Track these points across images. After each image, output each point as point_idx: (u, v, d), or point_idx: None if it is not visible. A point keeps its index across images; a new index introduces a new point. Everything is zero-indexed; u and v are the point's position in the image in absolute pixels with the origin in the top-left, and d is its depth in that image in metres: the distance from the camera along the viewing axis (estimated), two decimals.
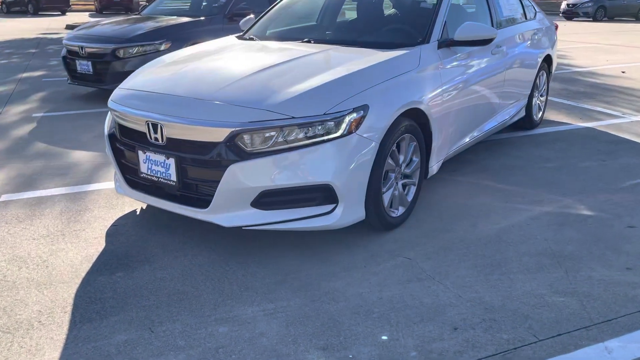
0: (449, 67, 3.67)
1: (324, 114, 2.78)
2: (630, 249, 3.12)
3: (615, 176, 4.30)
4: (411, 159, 3.44)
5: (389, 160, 3.15)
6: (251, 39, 4.19)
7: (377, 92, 3.01)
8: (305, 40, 3.85)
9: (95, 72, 6.87)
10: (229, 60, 3.53)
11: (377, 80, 3.07)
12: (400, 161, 3.30)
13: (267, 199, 2.83)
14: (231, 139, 2.74)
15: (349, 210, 2.92)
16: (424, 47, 3.55)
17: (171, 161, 2.89)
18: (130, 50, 6.76)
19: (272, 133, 2.73)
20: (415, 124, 3.33)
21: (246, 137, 2.73)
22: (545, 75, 5.64)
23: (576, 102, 6.89)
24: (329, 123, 2.78)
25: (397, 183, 3.33)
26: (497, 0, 4.66)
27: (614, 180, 4.22)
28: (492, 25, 4.45)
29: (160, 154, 2.93)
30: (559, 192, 3.99)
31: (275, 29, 4.29)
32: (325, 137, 2.78)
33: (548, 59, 5.65)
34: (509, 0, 4.94)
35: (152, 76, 3.39)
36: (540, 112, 5.75)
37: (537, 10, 5.67)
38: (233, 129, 2.73)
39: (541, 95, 5.72)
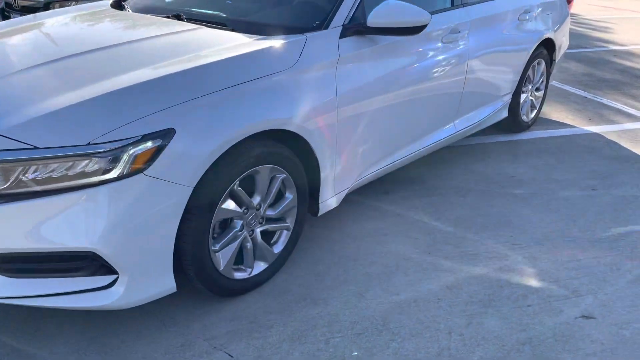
0: (355, 64, 2.60)
1: (88, 144, 1.82)
2: None
3: (599, 217, 3.19)
4: (282, 196, 2.46)
5: (228, 206, 2.18)
6: (121, 7, 3.19)
7: (198, 108, 2.01)
8: (173, 15, 2.83)
9: None
10: (37, 42, 2.55)
11: (208, 89, 2.06)
12: (256, 202, 2.32)
13: (15, 264, 1.92)
14: None
15: (140, 284, 1.98)
16: (313, 36, 2.48)
17: None
18: (68, 4, 5.85)
19: (7, 168, 1.80)
20: (284, 150, 2.33)
21: None
22: (543, 64, 4.43)
23: (593, 94, 5.61)
24: (97, 157, 1.82)
25: (252, 232, 2.36)
26: None
27: (594, 224, 3.11)
28: (452, 4, 3.29)
29: None
30: (509, 239, 2.93)
31: None
32: (89, 180, 1.83)
33: (549, 44, 4.42)
34: None
35: None
36: (535, 111, 4.57)
37: None
38: None
39: (537, 90, 4.53)
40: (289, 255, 2.57)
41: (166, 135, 1.91)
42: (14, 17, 6.09)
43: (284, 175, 2.38)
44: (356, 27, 2.62)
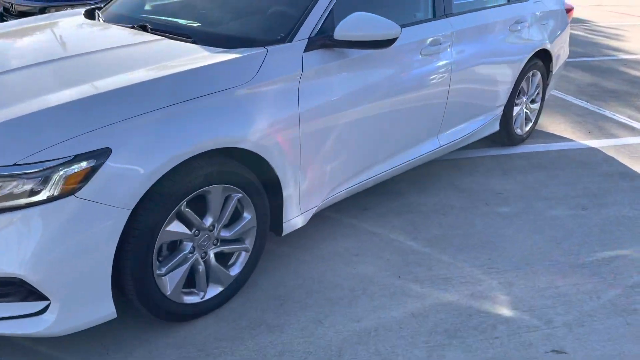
0: (321, 78, 2.49)
1: (14, 164, 1.73)
2: None
3: (585, 239, 3.03)
4: (239, 216, 2.35)
5: (174, 228, 2.08)
6: (93, 16, 3.11)
7: (139, 126, 1.91)
8: (139, 26, 2.73)
9: None
10: None
11: (151, 105, 1.96)
12: (208, 223, 2.21)
13: None
14: None
15: (75, 310, 1.89)
16: (275, 50, 2.37)
17: None
18: (63, 9, 5.83)
19: None
20: (240, 169, 2.22)
21: None
22: (539, 76, 4.27)
23: (597, 106, 5.42)
24: (25, 179, 1.73)
25: (205, 254, 2.26)
26: None
27: (579, 246, 2.95)
28: (434, 15, 3.16)
29: None
30: (486, 262, 2.78)
31: (128, 5, 3.17)
32: (16, 202, 1.74)
33: (545, 55, 4.26)
34: None
35: None
36: (530, 124, 4.40)
37: None
38: None
39: (532, 102, 4.37)
40: (248, 277, 2.46)
41: (101, 154, 1.81)
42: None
43: (240, 195, 2.27)
44: (323, 40, 2.50)
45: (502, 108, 3.94)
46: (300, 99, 2.39)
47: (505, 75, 3.76)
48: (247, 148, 2.19)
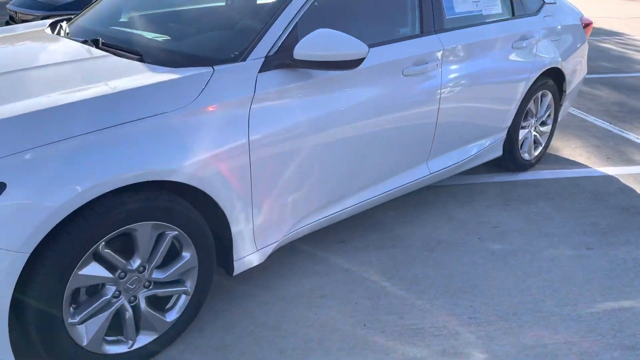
0: (279, 101, 2.23)
1: None
2: None
3: (586, 287, 2.67)
4: (179, 255, 2.10)
5: (90, 272, 1.84)
6: (54, 29, 2.92)
7: (44, 158, 1.67)
8: (92, 40, 2.52)
9: None
10: None
11: (64, 133, 1.73)
12: (136, 265, 1.96)
13: None
14: None
15: None
16: (223, 70, 2.12)
17: None
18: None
19: None
20: (174, 204, 1.97)
21: None
22: (550, 96, 3.91)
23: (619, 128, 5.00)
24: None
25: (135, 298, 2.01)
26: None
27: (577, 295, 2.60)
28: (421, 32, 2.86)
29: None
30: (467, 311, 2.46)
31: (93, 19, 2.96)
32: None
33: (557, 74, 3.91)
34: None
35: None
36: (539, 148, 4.05)
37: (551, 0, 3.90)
38: None
39: (542, 124, 4.01)
40: (189, 322, 2.21)
41: None
42: None
43: (176, 232, 2.02)
44: (281, 60, 2.24)
45: (505, 131, 3.61)
46: (251, 124, 2.13)
47: (507, 96, 3.43)
48: (181, 181, 1.94)
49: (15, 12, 5.96)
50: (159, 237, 2.01)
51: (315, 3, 2.42)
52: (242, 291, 2.54)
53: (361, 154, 2.62)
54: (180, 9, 2.78)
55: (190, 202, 2.14)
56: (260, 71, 2.20)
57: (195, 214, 2.05)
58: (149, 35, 2.52)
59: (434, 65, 2.83)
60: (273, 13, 2.32)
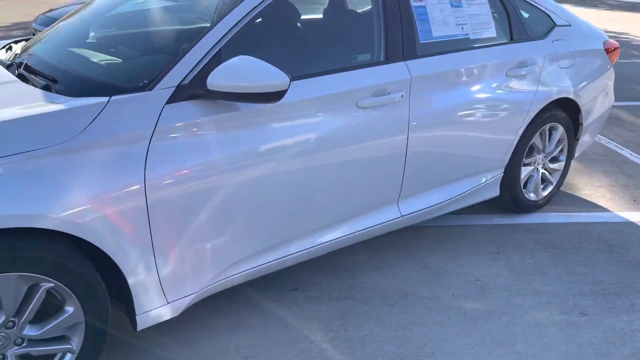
0: (189, 137, 1.96)
1: None
2: None
3: None
4: (60, 309, 1.86)
5: None
6: (8, 50, 2.78)
7: None
8: (17, 63, 2.34)
9: None
10: None
11: None
12: (1, 320, 1.73)
13: None
14: None
15: None
16: (122, 100, 1.87)
17: None
18: None
19: None
20: (46, 253, 1.73)
21: None
22: (562, 130, 3.46)
23: None
24: None
25: (3, 357, 1.78)
26: (424, 6, 2.69)
27: None
28: (386, 58, 2.52)
29: None
30: None
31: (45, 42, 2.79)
32: None
33: (570, 105, 3.46)
34: (466, 3, 2.88)
35: None
36: (550, 187, 3.58)
37: (566, 21, 3.45)
38: None
39: (552, 161, 3.55)
40: None
41: None
42: None
43: (52, 284, 1.78)
44: (194, 90, 1.98)
45: (501, 169, 3.19)
46: (150, 161, 1.87)
47: (501, 131, 3.02)
48: (52, 228, 1.70)
49: (35, 30, 6.03)
50: (32, 289, 1.77)
51: (247, 27, 2.15)
52: (149, 349, 2.27)
53: (305, 195, 2.31)
54: (109, 34, 2.58)
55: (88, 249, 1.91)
56: (168, 102, 1.94)
57: (77, 263, 1.80)
58: (70, 60, 2.31)
59: (398, 95, 2.49)
60: (193, 39, 2.06)
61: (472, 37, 2.87)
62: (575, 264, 2.99)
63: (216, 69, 1.93)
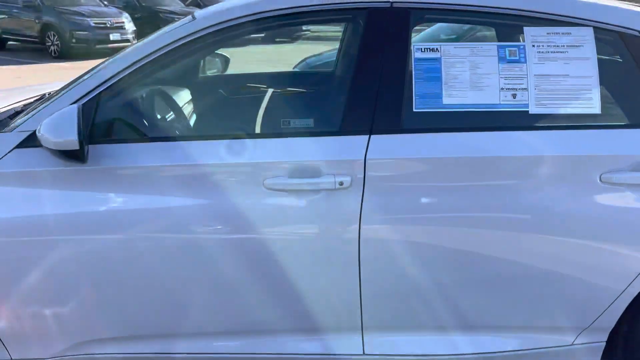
0: (17, 186, 1.77)
1: None
2: None
3: None
4: None
5: None
6: None
7: None
8: None
9: None
10: None
11: None
12: None
13: None
14: None
15: None
16: None
17: None
18: None
19: None
20: None
21: None
22: None
23: None
24: None
25: None
26: (437, 59, 1.77)
27: None
28: (339, 129, 1.76)
29: None
30: None
31: None
32: None
33: None
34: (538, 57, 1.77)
35: None
36: None
37: None
38: None
39: None
40: None
41: None
42: None
43: None
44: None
45: (603, 332, 1.89)
46: None
47: (594, 270, 1.78)
48: None
49: None
50: None
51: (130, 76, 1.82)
52: None
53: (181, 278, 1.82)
54: None
55: None
56: (19, 146, 1.79)
57: None
58: None
59: (339, 181, 1.71)
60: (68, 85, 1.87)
61: (535, 110, 1.77)
62: None
63: (48, 118, 1.70)
